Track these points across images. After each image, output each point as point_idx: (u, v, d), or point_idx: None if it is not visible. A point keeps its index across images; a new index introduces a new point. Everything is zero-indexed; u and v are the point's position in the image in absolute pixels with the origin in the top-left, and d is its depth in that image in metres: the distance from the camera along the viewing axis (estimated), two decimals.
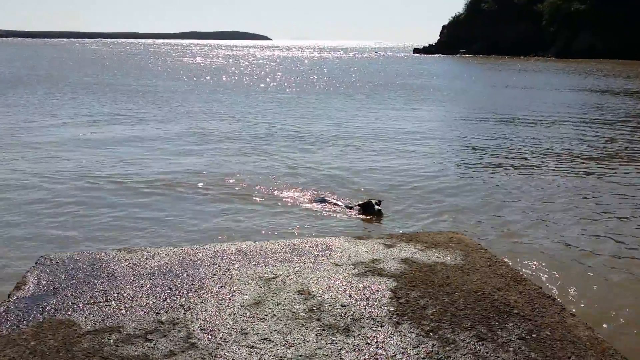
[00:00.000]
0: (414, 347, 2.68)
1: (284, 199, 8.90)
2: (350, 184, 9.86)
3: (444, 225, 7.55)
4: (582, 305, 5.28)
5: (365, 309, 3.07)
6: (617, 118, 19.67)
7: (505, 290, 3.40)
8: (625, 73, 45.45)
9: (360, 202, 8.36)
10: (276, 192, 9.16)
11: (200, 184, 9.49)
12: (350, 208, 8.33)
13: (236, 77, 38.42)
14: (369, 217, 8.03)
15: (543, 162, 11.90)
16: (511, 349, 2.75)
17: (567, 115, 20.15)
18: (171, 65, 55.78)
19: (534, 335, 2.90)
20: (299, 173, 10.57)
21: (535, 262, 6.20)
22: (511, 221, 7.80)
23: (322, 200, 8.63)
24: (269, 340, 2.72)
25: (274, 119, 18.22)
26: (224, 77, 39.17)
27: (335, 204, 8.49)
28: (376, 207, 8.01)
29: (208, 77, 38.41)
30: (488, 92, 30.57)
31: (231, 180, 9.78)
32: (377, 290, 3.30)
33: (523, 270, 5.79)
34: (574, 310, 3.29)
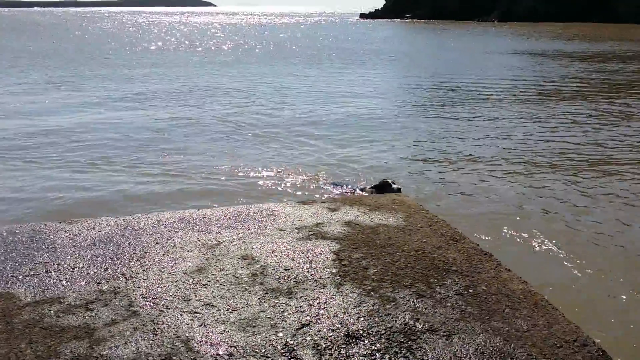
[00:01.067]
0: (355, 307, 2.74)
1: (282, 184, 8.03)
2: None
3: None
4: (517, 261, 5.47)
5: (308, 271, 3.10)
6: (549, 78, 20.21)
7: (444, 249, 3.50)
8: (565, 36, 46.57)
9: (374, 184, 7.45)
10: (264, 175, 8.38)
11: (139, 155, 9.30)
12: (363, 190, 7.49)
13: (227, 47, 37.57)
14: None
15: (490, 126, 12.15)
16: (449, 304, 2.84)
17: (507, 75, 20.58)
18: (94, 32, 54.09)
19: (470, 291, 3.00)
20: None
21: (474, 221, 6.38)
22: (452, 183, 7.98)
23: (336, 185, 7.81)
24: (212, 305, 2.73)
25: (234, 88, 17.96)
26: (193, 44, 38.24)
27: (351, 189, 7.66)
28: (394, 185, 7.07)
29: (154, 45, 37.48)
30: (437, 56, 30.86)
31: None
32: (321, 253, 3.34)
33: (463, 229, 5.95)
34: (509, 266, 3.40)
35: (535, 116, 13.27)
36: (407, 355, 2.41)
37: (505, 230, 6.16)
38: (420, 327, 2.62)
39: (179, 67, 23.39)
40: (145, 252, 3.35)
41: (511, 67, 25.07)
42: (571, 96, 16.46)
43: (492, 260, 3.42)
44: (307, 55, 29.62)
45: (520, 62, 27.09)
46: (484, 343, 2.54)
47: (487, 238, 5.97)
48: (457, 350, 2.47)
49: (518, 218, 6.53)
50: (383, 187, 6.94)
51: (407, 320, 2.66)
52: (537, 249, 5.76)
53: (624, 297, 4.87)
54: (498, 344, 2.55)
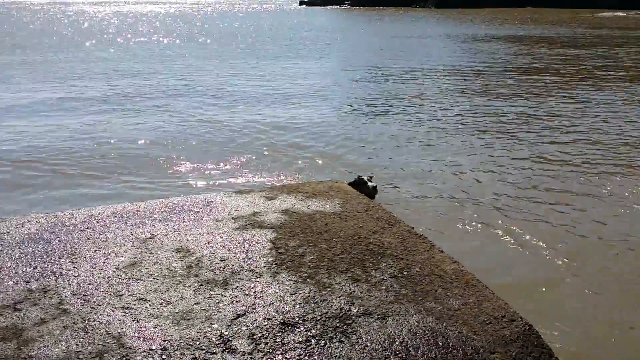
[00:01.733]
0: (292, 294, 2.75)
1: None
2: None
3: (330, 175, 7.68)
4: (449, 242, 5.60)
5: (244, 261, 3.09)
6: (482, 60, 20.70)
7: (380, 233, 3.55)
8: (496, 20, 47.62)
9: (349, 182, 6.77)
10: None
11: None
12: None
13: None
14: None
15: (430, 111, 12.33)
16: (383, 287, 2.89)
17: (446, 60, 20.94)
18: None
19: (405, 273, 3.06)
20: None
21: (410, 205, 6.47)
22: (388, 167, 8.08)
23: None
24: (145, 300, 2.69)
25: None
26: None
27: None
28: (369, 183, 6.40)
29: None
30: (377, 42, 31.06)
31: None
32: (257, 242, 3.33)
33: (398, 212, 6.05)
34: (442, 247, 3.48)
35: (480, 94, 13.57)
36: (342, 339, 2.44)
37: (440, 214, 6.28)
38: (355, 311, 2.66)
39: (132, 61, 22.74)
40: (76, 249, 3.27)
41: (455, 50, 25.53)
42: (511, 76, 16.90)
43: (426, 242, 3.49)
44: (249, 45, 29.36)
45: (462, 46, 27.61)
46: (417, 323, 2.60)
47: (421, 220, 6.08)
48: (390, 332, 2.52)
49: (459, 204, 6.68)
50: (356, 185, 6.19)
51: (342, 305, 2.69)
52: (478, 232, 5.91)
53: (560, 277, 5.07)
54: (431, 324, 2.61)
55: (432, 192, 6.98)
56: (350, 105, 12.92)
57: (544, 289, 4.62)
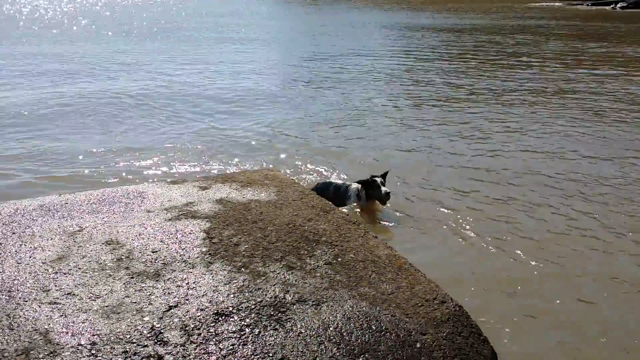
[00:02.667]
0: (225, 284, 2.73)
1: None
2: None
3: (265, 163, 7.65)
4: (385, 227, 5.69)
5: (177, 252, 3.04)
6: (415, 48, 21.04)
7: (315, 221, 3.56)
8: (432, 7, 48.35)
9: (358, 180, 6.22)
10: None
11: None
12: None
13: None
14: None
15: (370, 103, 12.42)
16: (318, 274, 2.91)
17: (379, 47, 21.13)
18: None
19: (339, 259, 3.08)
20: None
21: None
22: (320, 155, 8.11)
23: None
24: (73, 294, 2.61)
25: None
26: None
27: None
28: (383, 188, 5.91)
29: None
30: (315, 31, 31.02)
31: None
32: (190, 233, 3.28)
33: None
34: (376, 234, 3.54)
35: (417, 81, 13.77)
36: (276, 327, 2.44)
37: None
38: (290, 298, 2.66)
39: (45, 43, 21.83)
40: (0, 244, 3.13)
41: (391, 38, 25.80)
42: (438, 64, 17.23)
43: (360, 229, 3.53)
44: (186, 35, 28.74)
45: (393, 34, 27.93)
46: (351, 308, 2.63)
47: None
48: (325, 318, 2.53)
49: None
50: (369, 186, 5.96)
51: (277, 293, 2.69)
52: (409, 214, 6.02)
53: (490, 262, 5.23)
54: (364, 308, 2.64)
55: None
56: (287, 89, 12.88)
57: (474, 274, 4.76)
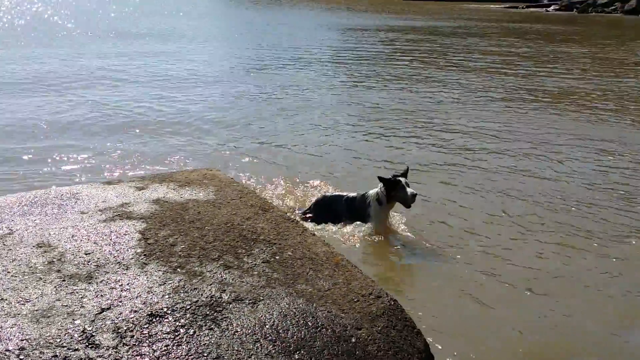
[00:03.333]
0: (160, 285, 2.70)
1: None
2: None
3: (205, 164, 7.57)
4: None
5: (111, 254, 2.98)
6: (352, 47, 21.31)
7: (253, 220, 3.56)
8: (373, 8, 48.92)
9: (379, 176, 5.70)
10: None
11: None
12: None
13: None
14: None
15: (307, 99, 12.45)
16: (256, 272, 2.91)
17: (317, 48, 21.26)
18: None
19: (277, 257, 3.09)
20: None
21: (283, 191, 6.52)
22: (258, 152, 8.12)
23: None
24: (2, 299, 2.52)
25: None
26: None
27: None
28: (409, 189, 5.49)
29: None
30: (253, 30, 30.87)
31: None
32: (125, 234, 3.22)
33: (274, 199, 6.11)
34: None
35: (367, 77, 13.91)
36: (212, 327, 2.43)
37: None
38: (226, 298, 2.65)
39: None
40: None
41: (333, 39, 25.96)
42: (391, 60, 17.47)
43: (298, 227, 3.55)
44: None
45: (337, 35, 28.12)
46: (287, 306, 2.64)
47: (293, 204, 6.15)
48: (261, 316, 2.54)
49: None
50: (391, 186, 5.53)
51: (213, 292, 2.68)
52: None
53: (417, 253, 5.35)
54: (301, 305, 2.66)
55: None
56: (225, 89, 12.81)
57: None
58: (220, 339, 2.37)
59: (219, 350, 2.30)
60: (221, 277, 2.83)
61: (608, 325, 4.28)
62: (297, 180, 6.88)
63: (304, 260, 3.11)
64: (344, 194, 5.95)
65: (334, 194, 6.07)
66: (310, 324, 2.55)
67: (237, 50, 21.03)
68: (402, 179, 5.56)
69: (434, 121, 10.38)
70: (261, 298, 2.68)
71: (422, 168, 7.64)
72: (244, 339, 2.38)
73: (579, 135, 9.48)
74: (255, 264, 3.00)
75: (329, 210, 5.87)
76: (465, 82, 14.59)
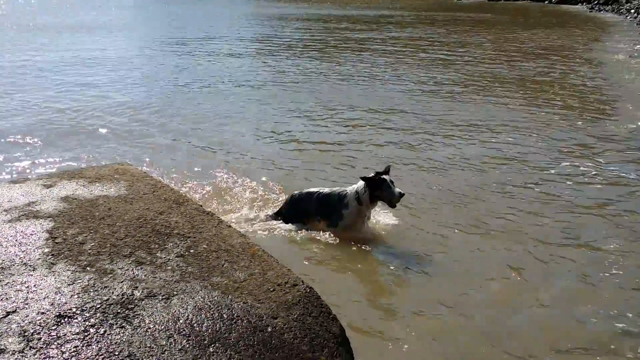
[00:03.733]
0: (69, 284, 2.62)
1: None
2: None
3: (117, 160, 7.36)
4: (237, 215, 5.72)
5: (16, 255, 2.87)
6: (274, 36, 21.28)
7: (167, 214, 3.50)
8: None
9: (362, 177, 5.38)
10: None
11: None
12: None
13: None
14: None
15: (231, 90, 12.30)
16: (169, 267, 2.88)
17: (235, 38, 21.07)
18: None
19: (192, 251, 3.07)
20: None
21: (197, 183, 6.44)
22: (172, 146, 8.00)
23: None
24: None
25: None
26: None
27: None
28: (395, 189, 5.21)
29: None
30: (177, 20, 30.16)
31: None
32: (32, 234, 3.10)
33: (191, 191, 6.05)
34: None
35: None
36: (123, 325, 2.39)
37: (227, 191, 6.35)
38: (138, 294, 2.61)
39: None
40: None
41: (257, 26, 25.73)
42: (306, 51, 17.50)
43: (214, 219, 3.53)
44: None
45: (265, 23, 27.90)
46: (202, 299, 2.63)
47: (210, 198, 6.08)
48: (175, 311, 2.52)
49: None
50: (375, 186, 5.24)
51: (125, 290, 2.63)
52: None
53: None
54: (216, 298, 2.66)
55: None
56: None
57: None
58: (132, 336, 2.33)
59: (130, 348, 2.26)
60: (133, 273, 2.78)
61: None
62: (217, 174, 6.82)
63: (219, 252, 3.10)
64: (315, 190, 5.64)
65: (306, 190, 5.73)
66: (225, 316, 2.55)
67: (155, 42, 20.51)
68: (387, 177, 5.24)
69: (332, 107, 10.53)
70: (175, 293, 2.66)
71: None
72: (157, 335, 2.36)
73: (471, 120, 9.85)
74: (169, 259, 2.96)
75: (299, 208, 5.59)
76: (377, 70, 14.87)
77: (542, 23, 28.95)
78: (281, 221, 5.61)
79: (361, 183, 5.34)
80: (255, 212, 5.78)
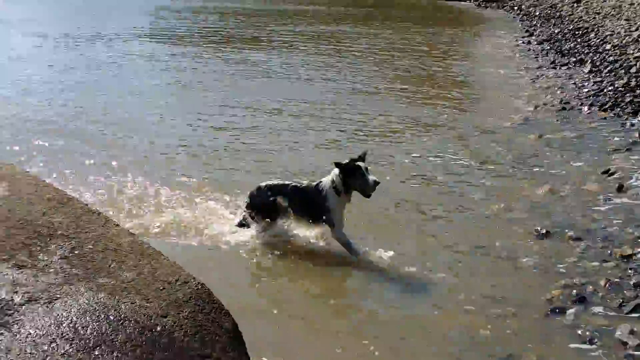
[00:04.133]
0: None
1: None
2: None
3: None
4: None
5: None
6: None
7: (50, 214, 3.36)
8: None
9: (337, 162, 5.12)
10: None
11: None
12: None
13: None
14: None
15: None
16: (52, 270, 2.77)
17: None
18: None
19: (77, 252, 2.97)
20: None
21: (81, 182, 6.25)
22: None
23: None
24: None
25: None
26: None
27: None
28: (370, 176, 4.94)
29: None
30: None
31: None
32: None
33: (78, 190, 5.86)
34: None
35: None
36: (1, 332, 2.29)
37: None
38: (18, 300, 2.50)
39: None
40: None
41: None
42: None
43: (101, 218, 3.43)
44: None
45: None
46: (87, 302, 2.56)
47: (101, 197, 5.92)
48: (58, 315, 2.44)
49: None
50: (349, 173, 5.02)
51: (3, 295, 2.51)
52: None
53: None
54: (102, 299, 2.59)
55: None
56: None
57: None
58: (11, 343, 2.23)
59: (9, 356, 2.17)
60: (13, 278, 2.65)
61: None
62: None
63: (106, 252, 3.02)
64: (288, 182, 5.35)
65: (271, 182, 5.39)
66: (112, 317, 2.49)
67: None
68: (362, 164, 4.97)
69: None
70: (58, 296, 2.57)
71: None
72: (38, 340, 2.27)
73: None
74: (52, 261, 2.85)
75: (268, 202, 5.23)
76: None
77: (431, 18, 30.12)
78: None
79: (336, 171, 5.10)
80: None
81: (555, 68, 14.84)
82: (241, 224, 5.36)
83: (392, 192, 6.43)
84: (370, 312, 4.56)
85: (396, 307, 4.60)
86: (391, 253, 5.10)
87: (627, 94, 11.06)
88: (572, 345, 4.16)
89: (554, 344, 4.18)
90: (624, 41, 15.87)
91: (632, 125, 9.33)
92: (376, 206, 5.89)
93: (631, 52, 14.39)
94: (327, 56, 16.18)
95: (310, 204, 5.14)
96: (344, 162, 5.02)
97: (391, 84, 13.03)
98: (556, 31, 20.74)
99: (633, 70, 12.70)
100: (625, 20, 18.55)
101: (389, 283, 4.91)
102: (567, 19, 22.64)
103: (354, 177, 4.92)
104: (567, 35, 19.28)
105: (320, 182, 5.17)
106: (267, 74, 13.24)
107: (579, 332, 4.28)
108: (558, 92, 12.35)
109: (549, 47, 17.95)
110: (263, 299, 4.53)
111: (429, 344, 4.14)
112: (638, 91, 11.16)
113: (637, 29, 16.83)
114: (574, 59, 15.41)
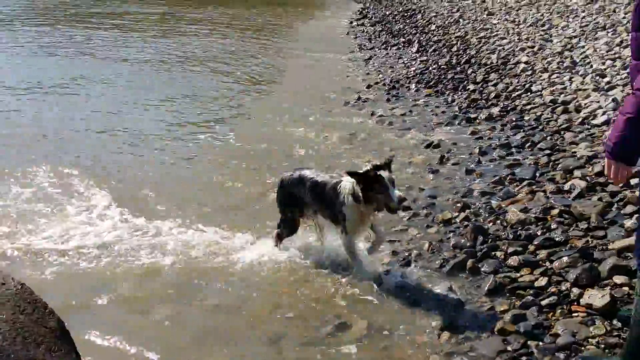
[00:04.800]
0: None
1: None
2: None
3: None
4: None
5: None
6: None
7: None
8: None
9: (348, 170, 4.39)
10: None
11: None
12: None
13: None
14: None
15: None
16: None
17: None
18: None
19: None
20: None
21: None
22: None
23: None
24: None
25: None
26: None
27: None
28: (396, 191, 4.07)
29: None
30: None
31: None
32: None
33: None
34: None
35: None
36: None
37: None
38: None
39: None
40: None
41: None
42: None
43: None
44: None
45: None
46: None
47: None
48: None
49: None
50: (371, 182, 4.20)
51: None
52: None
53: None
54: None
55: None
56: None
57: None
58: None
59: None
60: None
61: None
62: None
63: None
64: (308, 174, 4.69)
65: (296, 173, 4.77)
66: None
67: None
68: (385, 174, 4.12)
69: None
70: None
71: None
72: None
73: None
74: None
75: (292, 194, 4.74)
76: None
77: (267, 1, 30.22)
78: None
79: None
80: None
81: (387, 49, 15.66)
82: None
83: None
84: None
85: None
86: None
87: (449, 72, 12.00)
88: (397, 306, 4.53)
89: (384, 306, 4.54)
90: (446, 22, 17.11)
91: (453, 101, 10.16)
92: None
93: (452, 32, 15.58)
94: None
95: (326, 201, 4.60)
96: (361, 171, 4.31)
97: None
98: (387, 13, 21.83)
99: (454, 49, 13.77)
100: (448, 1, 19.99)
101: None
102: (396, 0, 23.86)
103: (373, 189, 4.21)
104: (397, 17, 20.38)
105: (340, 182, 4.50)
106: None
107: (407, 293, 4.64)
108: (389, 71, 13.08)
109: (380, 29, 18.87)
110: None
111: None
112: (458, 68, 12.14)
113: (457, 10, 18.23)
114: (403, 40, 16.37)
